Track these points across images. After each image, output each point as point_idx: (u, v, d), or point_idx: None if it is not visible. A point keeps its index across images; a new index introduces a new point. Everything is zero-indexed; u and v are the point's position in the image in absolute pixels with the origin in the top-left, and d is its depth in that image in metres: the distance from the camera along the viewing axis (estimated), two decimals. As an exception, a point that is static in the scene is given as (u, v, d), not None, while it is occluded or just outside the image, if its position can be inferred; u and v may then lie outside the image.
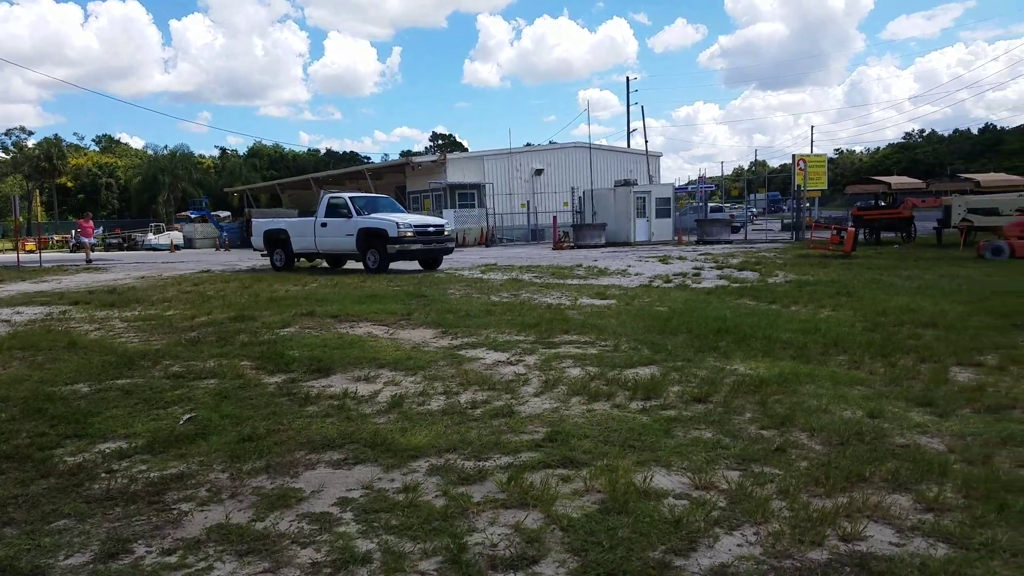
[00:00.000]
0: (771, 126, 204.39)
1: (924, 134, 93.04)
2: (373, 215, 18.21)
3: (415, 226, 17.44)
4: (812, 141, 64.60)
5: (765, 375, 6.49)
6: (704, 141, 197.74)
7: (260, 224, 21.48)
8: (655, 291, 13.90)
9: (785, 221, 41.17)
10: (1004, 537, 3.33)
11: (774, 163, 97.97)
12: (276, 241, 20.26)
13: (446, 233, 18.39)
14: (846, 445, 4.66)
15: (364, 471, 4.33)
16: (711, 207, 44.78)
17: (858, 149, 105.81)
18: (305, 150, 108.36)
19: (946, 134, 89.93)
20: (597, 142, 47.62)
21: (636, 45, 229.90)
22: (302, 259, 21.05)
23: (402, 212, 19.99)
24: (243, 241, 47.54)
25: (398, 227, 17.03)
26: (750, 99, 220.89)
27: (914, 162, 75.54)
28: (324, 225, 18.78)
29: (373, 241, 17.48)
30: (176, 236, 49.48)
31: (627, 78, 55.51)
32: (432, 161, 39.21)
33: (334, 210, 18.68)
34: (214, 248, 45.81)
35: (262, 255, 21.95)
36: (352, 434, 4.96)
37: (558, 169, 41.80)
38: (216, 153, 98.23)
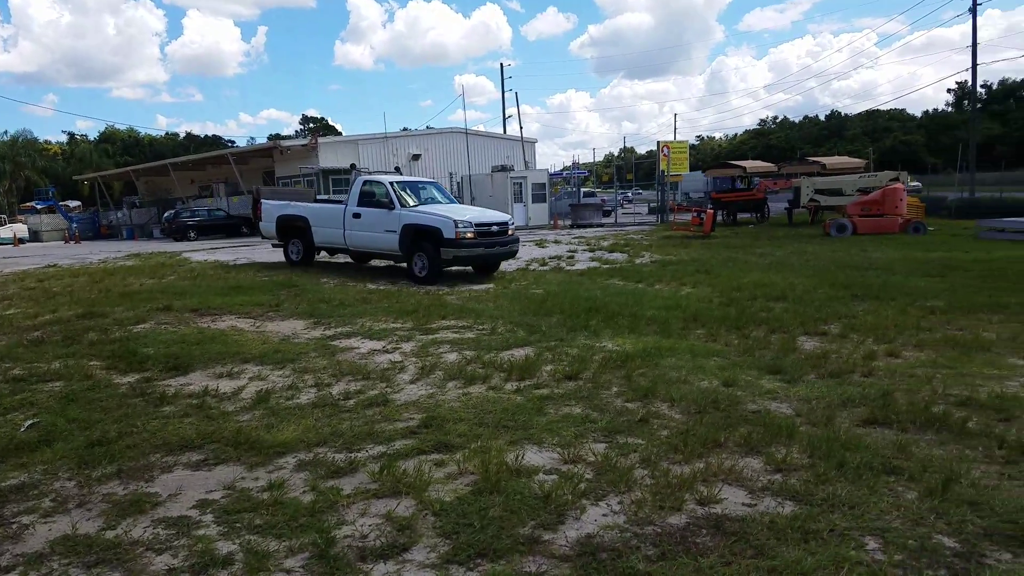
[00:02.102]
0: (639, 114, 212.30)
1: (777, 121, 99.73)
2: (422, 208, 13.86)
3: (476, 224, 13.15)
4: (675, 128, 67.86)
5: (631, 351, 6.75)
6: (577, 128, 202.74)
7: (273, 207, 16.54)
8: (531, 274, 14.13)
9: (652, 205, 42.96)
10: (844, 492, 3.64)
11: (642, 150, 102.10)
12: (292, 229, 16.15)
13: (511, 232, 14.11)
14: (703, 413, 4.93)
15: (226, 471, 4.13)
16: (584, 192, 46.05)
17: (718, 135, 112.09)
18: (163, 134, 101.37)
19: (797, 120, 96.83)
20: (474, 128, 47.77)
21: (510, 32, 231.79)
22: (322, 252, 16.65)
23: (453, 202, 15.80)
24: (96, 233, 44.12)
25: (456, 226, 12.79)
26: (619, 87, 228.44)
27: (768, 147, 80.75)
28: (357, 216, 14.37)
29: (422, 242, 13.27)
30: (20, 229, 45.05)
31: (501, 64, 55.94)
32: (303, 145, 37.80)
33: (370, 198, 14.29)
34: (63, 241, 42.14)
35: (273, 245, 17.34)
36: (213, 434, 4.71)
37: (436, 154, 41.48)
38: (64, 139, 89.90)
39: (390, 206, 13.74)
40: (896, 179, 23.59)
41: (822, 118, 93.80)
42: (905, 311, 8.61)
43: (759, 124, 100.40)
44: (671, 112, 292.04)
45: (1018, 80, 74.19)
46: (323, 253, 16.71)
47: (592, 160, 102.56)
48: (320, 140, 38.02)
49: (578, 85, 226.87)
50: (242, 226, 34.36)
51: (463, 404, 5.28)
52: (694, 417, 4.87)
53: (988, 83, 74.44)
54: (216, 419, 5.05)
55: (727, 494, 3.65)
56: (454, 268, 13.88)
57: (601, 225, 33.27)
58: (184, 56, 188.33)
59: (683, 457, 4.13)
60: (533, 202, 34.96)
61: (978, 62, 32.80)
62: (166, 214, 36.65)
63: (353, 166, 17.71)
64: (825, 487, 3.68)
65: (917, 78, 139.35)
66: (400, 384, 5.91)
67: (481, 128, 54.66)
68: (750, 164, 34.49)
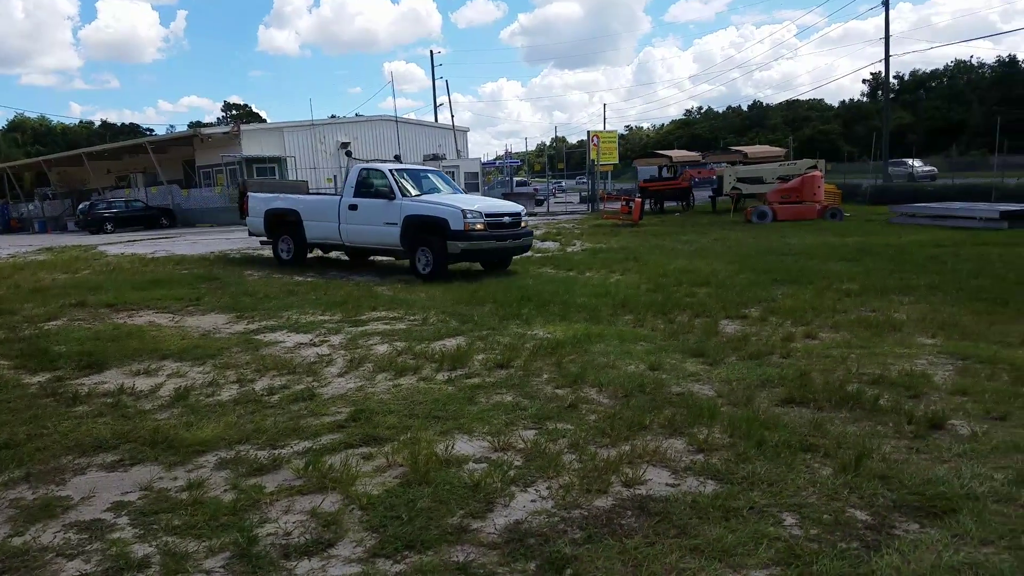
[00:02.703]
0: (569, 104, 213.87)
1: (702, 111, 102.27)
2: (426, 198, 12.48)
3: (487, 215, 11.87)
4: (605, 118, 68.37)
5: (561, 338, 6.81)
6: (509, 117, 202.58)
7: (260, 201, 14.81)
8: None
9: (583, 194, 43.45)
10: (763, 470, 3.76)
11: (573, 139, 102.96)
12: (282, 224, 14.35)
13: (524, 224, 12.80)
14: (630, 397, 5.02)
15: (143, 471, 3.97)
16: (516, 181, 46.15)
17: (645, 125, 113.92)
18: (77, 122, 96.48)
19: (721, 111, 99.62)
20: (405, 116, 47.03)
21: (440, 19, 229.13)
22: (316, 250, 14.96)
23: (459, 191, 14.33)
24: (5, 227, 41.55)
25: (464, 216, 11.51)
26: (549, 77, 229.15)
27: (694, 137, 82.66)
28: (353, 208, 12.89)
29: (426, 235, 11.96)
30: (-83, 224, 42.05)
31: (431, 52, 55.21)
32: (224, 133, 36.54)
33: (368, 188, 12.87)
34: (-35, 235, 39.59)
35: (261, 242, 15.42)
36: (129, 433, 4.52)
37: (365, 143, 40.77)
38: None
39: (390, 196, 12.34)
40: (814, 167, 24.50)
41: (745, 108, 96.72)
42: (822, 294, 8.97)
43: (685, 114, 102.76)
44: (600, 102, 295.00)
45: (928, 71, 78.25)
46: (317, 251, 15.06)
47: (525, 149, 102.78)
48: (243, 128, 36.83)
49: (509, 74, 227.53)
50: (161, 217, 33.08)
51: (393, 396, 5.22)
52: (621, 401, 4.95)
53: (900, 74, 78.29)
54: (132, 418, 4.85)
55: (652, 475, 3.73)
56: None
57: (534, 214, 33.42)
58: (99, 41, 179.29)
59: (610, 441, 4.20)
60: (466, 191, 34.79)
61: (890, 54, 34.45)
62: (81, 206, 34.87)
63: (349, 153, 15.95)
64: (745, 466, 3.80)
65: (834, 69, 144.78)
66: (327, 378, 5.80)
67: (412, 116, 54.00)
68: (676, 154, 35.24)
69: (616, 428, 4.37)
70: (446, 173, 34.44)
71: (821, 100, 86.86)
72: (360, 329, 7.66)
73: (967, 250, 13.07)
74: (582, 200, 41.85)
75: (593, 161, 34.04)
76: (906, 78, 77.95)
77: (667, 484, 3.64)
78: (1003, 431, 4.22)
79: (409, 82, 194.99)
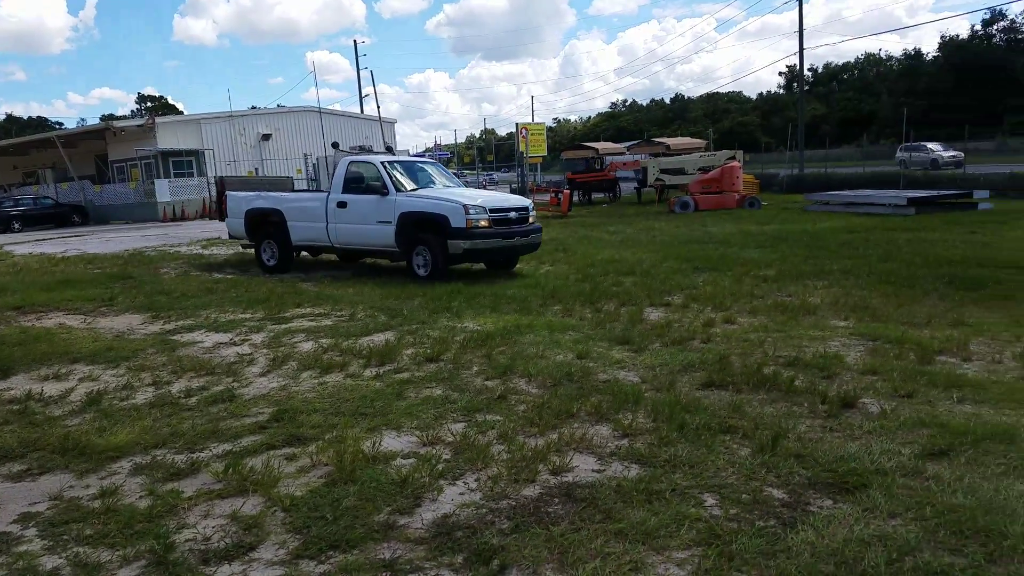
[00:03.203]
0: (497, 96, 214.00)
1: (627, 104, 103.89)
2: (423, 192, 11.27)
3: (491, 210, 10.67)
4: (533, 110, 69.23)
5: (491, 330, 6.83)
6: (437, 109, 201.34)
7: (240, 200, 13.15)
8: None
9: (513, 186, 43.61)
10: (684, 452, 3.86)
11: (502, 131, 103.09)
12: (265, 226, 12.68)
13: (532, 220, 11.50)
14: (558, 386, 5.08)
15: (52, 480, 3.77)
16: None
17: (573, 118, 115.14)
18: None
19: (645, 103, 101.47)
20: (330, 107, 46.05)
21: (364, 8, 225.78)
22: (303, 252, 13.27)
23: (459, 185, 12.91)
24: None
25: (466, 212, 10.36)
26: (477, 69, 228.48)
27: (620, 129, 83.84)
28: (342, 206, 11.57)
29: (424, 234, 10.76)
30: None
31: (355, 42, 54.28)
32: (139, 126, 34.98)
33: (358, 183, 11.61)
34: None
35: (243, 246, 13.80)
36: (37, 441, 4.29)
37: (288, 134, 39.71)
38: None
39: (383, 191, 11.06)
40: (732, 158, 25.26)
41: (667, 101, 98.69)
42: (740, 280, 9.27)
43: (611, 107, 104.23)
44: (528, 94, 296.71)
45: (840, 64, 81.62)
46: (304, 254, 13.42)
47: (455, 141, 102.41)
48: (158, 120, 35.37)
49: (436, 65, 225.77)
50: (73, 215, 31.42)
51: (318, 394, 5.12)
52: (550, 391, 4.99)
53: (814, 67, 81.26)
54: (41, 425, 4.60)
55: (578, 462, 3.78)
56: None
57: (463, 206, 33.33)
58: (3, 31, 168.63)
59: (538, 430, 4.23)
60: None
61: (804, 47, 35.55)
62: (-16, 203, 32.79)
63: (335, 145, 13.60)
64: (667, 449, 3.89)
65: (752, 62, 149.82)
66: (249, 377, 5.64)
67: (337, 107, 52.87)
68: (602, 146, 35.77)
69: (544, 417, 4.40)
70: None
71: (740, 93, 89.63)
72: (284, 327, 7.48)
73: (877, 235, 13.72)
74: (512, 192, 42.02)
75: (522, 153, 34.16)
76: (820, 71, 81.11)
77: (593, 470, 3.69)
78: (910, 408, 4.45)
79: (333, 72, 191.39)
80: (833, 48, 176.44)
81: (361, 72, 59.77)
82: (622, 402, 4.65)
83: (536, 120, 55.86)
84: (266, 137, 38.18)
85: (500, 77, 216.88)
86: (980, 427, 3.99)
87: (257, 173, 35.98)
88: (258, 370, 5.85)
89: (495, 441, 4.10)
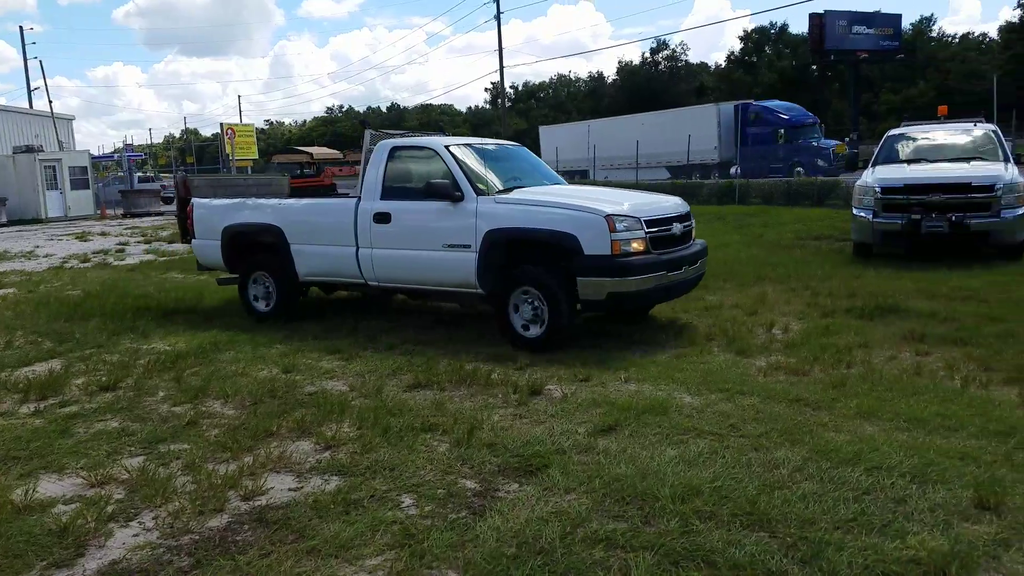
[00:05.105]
0: (200, 94, 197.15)
1: (344, 109, 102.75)
2: (521, 195, 6.61)
3: (647, 221, 6.15)
4: (241, 111, 65.37)
5: (185, 349, 6.26)
6: (128, 106, 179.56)
7: (214, 212, 8.16)
8: (68, 273, 12.27)
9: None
10: (386, 456, 3.86)
11: (207, 132, 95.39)
12: (254, 251, 7.86)
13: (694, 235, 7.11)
14: (259, 404, 4.80)
15: None
16: (139, 177, 41.31)
17: (287, 121, 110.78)
18: None
19: (362, 110, 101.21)
20: (-16, 99, 38.78)
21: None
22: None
23: (560, 181, 7.83)
24: None
25: (612, 228, 5.88)
26: (175, 64, 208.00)
27: (337, 135, 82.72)
28: (383, 219, 6.90)
29: (532, 266, 6.20)
30: None
31: (20, 28, 46.39)
32: None
33: (406, 181, 7.07)
34: None
35: (219, 281, 8.46)
36: None
37: (-74, 131, 32.76)
38: None
39: (454, 195, 6.50)
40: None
41: (384, 109, 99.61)
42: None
43: (327, 112, 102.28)
44: (236, 94, 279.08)
45: (537, 83, 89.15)
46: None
47: (149, 141, 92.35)
48: None
49: (126, 58, 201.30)
50: None
51: (-49, 441, 4.24)
52: (249, 410, 4.70)
53: (515, 84, 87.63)
54: None
55: (274, 482, 3.59)
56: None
57: (160, 213, 30.32)
58: None
59: (231, 455, 3.94)
60: (73, 189, 30.28)
61: (504, 65, 38.35)
62: None
63: (364, 123, 8.08)
64: (370, 455, 3.87)
65: (460, 77, 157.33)
66: None
67: (1, 100, 44.82)
68: (317, 151, 34.97)
69: (239, 440, 4.12)
70: (46, 168, 29.58)
71: (452, 106, 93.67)
72: (-89, 363, 6.11)
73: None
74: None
75: (228, 155, 32.05)
76: (520, 88, 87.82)
77: (290, 489, 3.53)
78: (586, 390, 4.94)
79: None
80: (531, 67, 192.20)
81: (29, 62, 51.08)
82: (327, 413, 4.54)
83: (245, 121, 52.63)
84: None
85: (202, 74, 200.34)
86: (642, 402, 4.57)
87: None
88: None
89: (180, 472, 3.74)
